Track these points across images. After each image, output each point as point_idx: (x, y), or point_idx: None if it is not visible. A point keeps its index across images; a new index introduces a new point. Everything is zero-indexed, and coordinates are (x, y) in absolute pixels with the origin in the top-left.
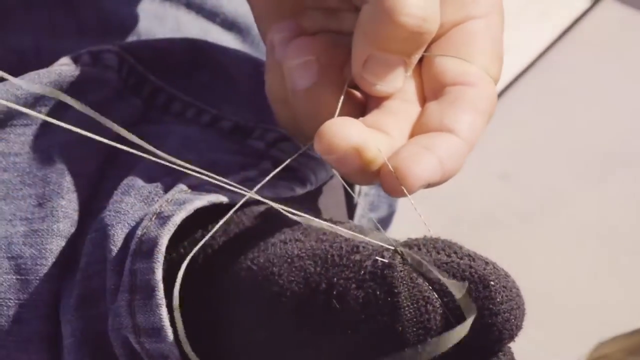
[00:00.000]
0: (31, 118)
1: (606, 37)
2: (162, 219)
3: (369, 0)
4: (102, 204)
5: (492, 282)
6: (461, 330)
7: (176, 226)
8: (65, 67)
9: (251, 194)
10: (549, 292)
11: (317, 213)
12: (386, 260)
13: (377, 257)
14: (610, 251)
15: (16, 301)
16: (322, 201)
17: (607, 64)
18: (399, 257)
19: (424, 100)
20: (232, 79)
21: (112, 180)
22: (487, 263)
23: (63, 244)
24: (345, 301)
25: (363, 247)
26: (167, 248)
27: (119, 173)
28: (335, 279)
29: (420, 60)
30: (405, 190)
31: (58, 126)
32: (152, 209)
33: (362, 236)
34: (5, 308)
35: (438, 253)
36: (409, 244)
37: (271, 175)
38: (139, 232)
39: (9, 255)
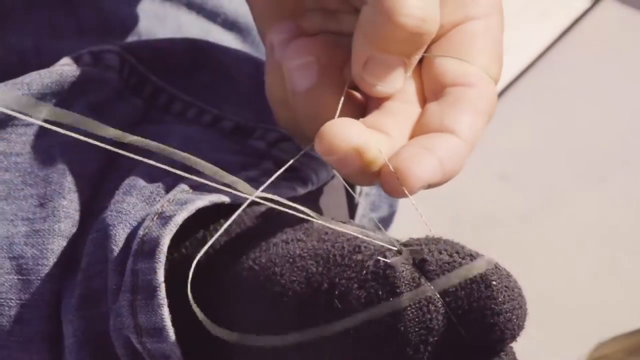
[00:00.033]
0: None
1: (606, 37)
2: (164, 219)
3: (369, 1)
4: (104, 204)
5: (494, 282)
6: (473, 268)
7: (178, 226)
8: (66, 67)
9: (253, 198)
10: (549, 292)
11: (318, 213)
12: (388, 260)
13: (379, 257)
14: (610, 251)
15: (18, 301)
16: (323, 201)
17: (607, 64)
18: (401, 257)
19: (424, 101)
20: (232, 79)
21: (114, 180)
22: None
23: (64, 244)
24: (347, 301)
25: (365, 247)
26: (169, 248)
27: (120, 173)
28: (337, 278)
29: (420, 61)
30: (406, 191)
31: (59, 126)
32: (154, 209)
33: (363, 236)
34: (6, 308)
35: (440, 253)
36: (410, 244)
37: (274, 177)
38: (140, 232)
39: (11, 255)
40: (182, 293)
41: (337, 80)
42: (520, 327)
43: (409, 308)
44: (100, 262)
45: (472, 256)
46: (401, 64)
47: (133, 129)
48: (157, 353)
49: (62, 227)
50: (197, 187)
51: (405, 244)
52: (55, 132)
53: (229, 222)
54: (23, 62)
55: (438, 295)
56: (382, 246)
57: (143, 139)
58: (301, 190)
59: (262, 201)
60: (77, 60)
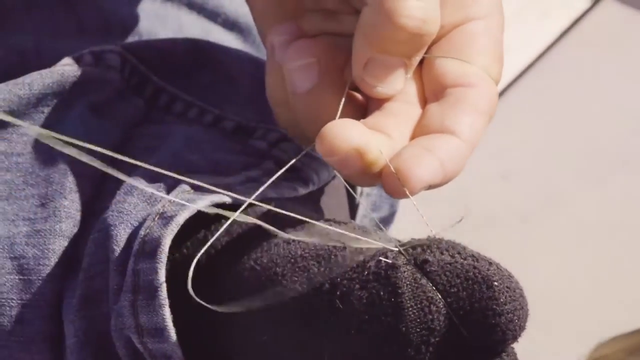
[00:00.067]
0: (33, 118)
1: (606, 37)
2: (165, 219)
3: (369, 2)
4: (105, 204)
5: (495, 283)
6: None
7: (179, 226)
8: (67, 67)
9: (250, 200)
10: (549, 292)
11: (319, 213)
12: (390, 261)
13: (380, 258)
14: (610, 251)
15: (19, 301)
16: (324, 201)
17: (607, 64)
18: (403, 257)
19: (424, 101)
20: (233, 79)
21: (115, 180)
22: (490, 263)
23: (66, 244)
24: (348, 301)
25: (366, 247)
26: (170, 248)
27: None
28: (338, 279)
29: (421, 61)
30: (407, 192)
31: (60, 126)
32: (155, 209)
33: (365, 238)
34: (7, 308)
35: (442, 253)
36: (412, 245)
37: (273, 178)
38: (142, 232)
39: (12, 255)
40: (183, 293)
41: (337, 82)
42: (522, 328)
43: (410, 308)
44: (101, 262)
45: (474, 257)
46: (402, 65)
47: (134, 129)
48: (158, 353)
49: (63, 227)
50: (198, 188)
51: (406, 245)
52: (56, 132)
53: (222, 229)
54: (23, 62)
55: (439, 296)
56: (384, 247)
57: (131, 160)
58: (302, 191)
59: (259, 204)
60: (78, 61)
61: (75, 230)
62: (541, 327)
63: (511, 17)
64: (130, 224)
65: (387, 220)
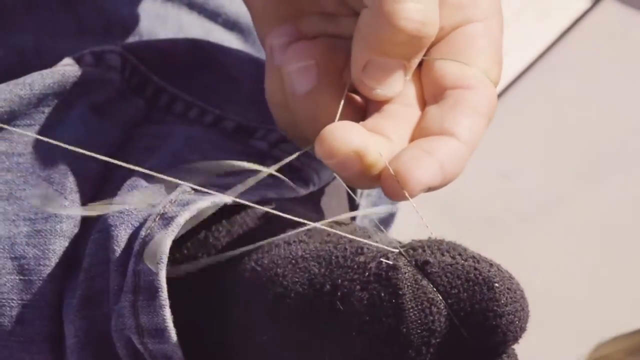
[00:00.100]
0: (34, 118)
1: (606, 37)
2: (166, 219)
3: (368, 4)
4: None
5: (496, 284)
6: None
7: (180, 227)
8: (68, 68)
9: (233, 199)
10: (549, 292)
11: (320, 214)
12: (390, 262)
13: (381, 259)
14: (610, 251)
15: (19, 301)
16: (324, 202)
17: (607, 64)
18: (403, 258)
19: (424, 104)
20: (234, 79)
21: (116, 180)
22: (491, 265)
23: (66, 244)
24: (349, 303)
25: (367, 248)
26: (171, 249)
27: (122, 173)
28: (339, 280)
29: (420, 64)
30: (406, 194)
31: (61, 126)
32: (156, 210)
33: (364, 240)
34: (8, 308)
35: (442, 255)
36: (413, 246)
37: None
38: (142, 232)
39: (12, 255)
40: (183, 294)
41: (336, 84)
42: (523, 329)
43: (411, 310)
44: (102, 263)
45: (475, 258)
46: (401, 67)
47: (135, 129)
48: (158, 354)
49: (63, 227)
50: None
51: (407, 246)
52: (58, 132)
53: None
54: (24, 62)
55: (440, 297)
56: (385, 248)
57: (128, 165)
58: (302, 191)
59: (255, 206)
60: (79, 61)
61: (75, 230)
62: (541, 327)
63: (511, 17)
64: (131, 224)
65: (387, 221)
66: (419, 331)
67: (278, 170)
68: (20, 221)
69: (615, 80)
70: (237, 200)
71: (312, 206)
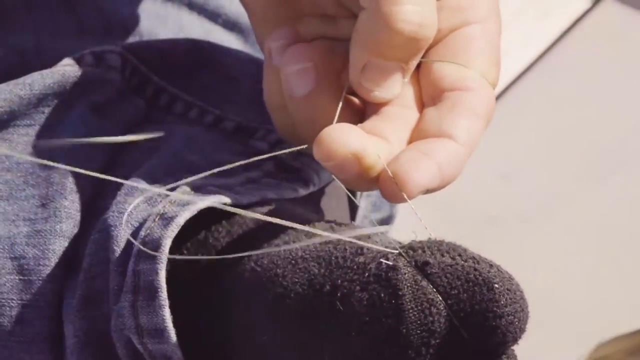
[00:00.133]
0: (34, 118)
1: (606, 37)
2: (166, 220)
3: (366, 6)
4: (106, 205)
5: (496, 285)
6: None
7: (180, 227)
8: (68, 68)
9: (221, 206)
10: (549, 292)
11: (320, 214)
12: (390, 263)
13: (381, 260)
14: (610, 251)
15: (19, 302)
16: (324, 202)
17: (607, 64)
18: (403, 259)
19: (422, 106)
20: (234, 79)
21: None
22: (491, 266)
23: (66, 244)
24: (349, 303)
25: (367, 249)
26: (171, 249)
27: (122, 174)
28: (339, 281)
29: (418, 66)
30: (405, 196)
31: (61, 126)
32: (156, 210)
33: (365, 240)
34: (8, 308)
35: (442, 255)
36: (413, 247)
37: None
38: (142, 233)
39: (12, 255)
40: (183, 294)
41: (335, 86)
42: (522, 330)
43: (410, 310)
44: (102, 263)
45: (475, 259)
46: (399, 69)
47: (135, 129)
48: (158, 354)
49: (63, 227)
50: (199, 189)
51: (407, 247)
52: (58, 132)
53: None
54: (24, 62)
55: (440, 298)
56: (384, 249)
57: (122, 180)
58: (302, 192)
59: (247, 211)
60: (79, 61)
61: (75, 230)
62: (541, 327)
63: (510, 18)
64: (131, 224)
65: (387, 221)
66: (418, 332)
67: (275, 172)
68: (20, 221)
69: (615, 80)
70: (232, 209)
71: (312, 206)
